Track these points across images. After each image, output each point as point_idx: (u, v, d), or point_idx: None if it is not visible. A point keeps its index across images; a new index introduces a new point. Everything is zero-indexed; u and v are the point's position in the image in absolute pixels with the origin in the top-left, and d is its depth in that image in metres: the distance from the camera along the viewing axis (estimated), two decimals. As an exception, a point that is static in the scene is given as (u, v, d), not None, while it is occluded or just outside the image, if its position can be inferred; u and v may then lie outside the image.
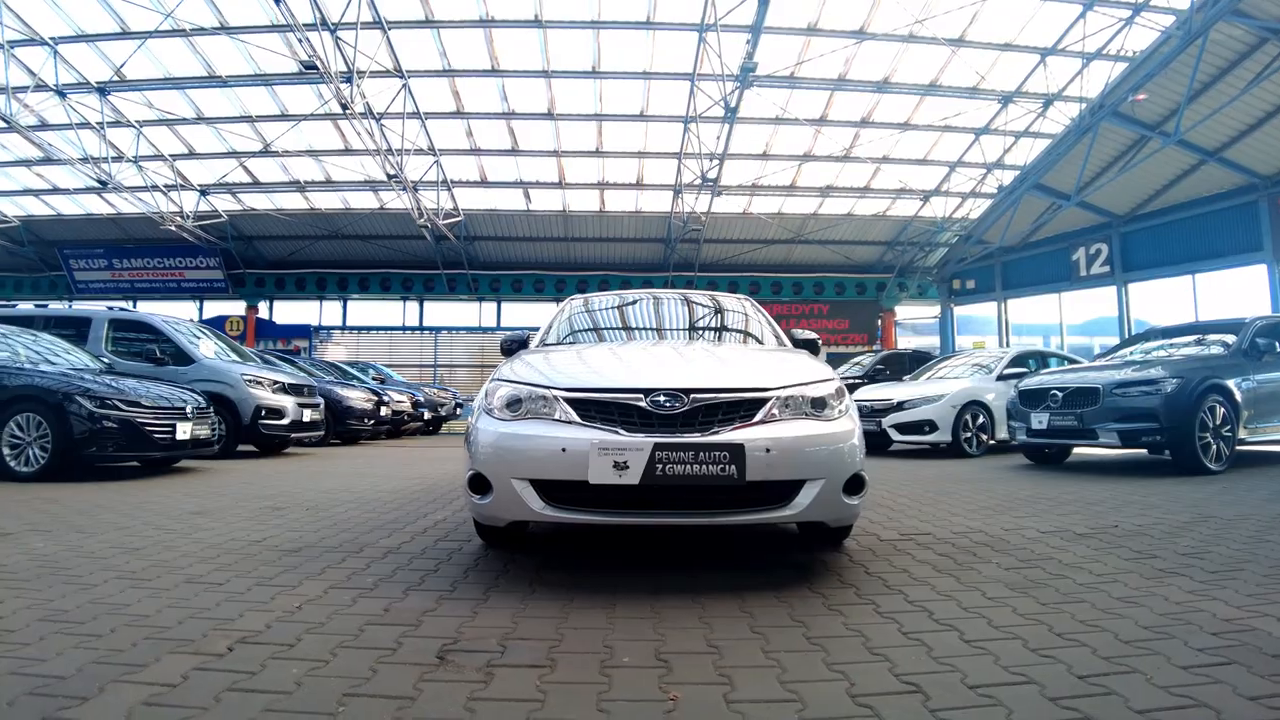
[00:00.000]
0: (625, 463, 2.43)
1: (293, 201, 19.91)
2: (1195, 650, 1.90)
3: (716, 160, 15.30)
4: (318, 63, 11.16)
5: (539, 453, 2.56)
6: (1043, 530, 3.71)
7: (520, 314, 23.38)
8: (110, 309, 8.89)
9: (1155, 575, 2.74)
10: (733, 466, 2.43)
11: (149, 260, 21.69)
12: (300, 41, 10.95)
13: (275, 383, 8.88)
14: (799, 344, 4.11)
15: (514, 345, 3.91)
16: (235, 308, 22.84)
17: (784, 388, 2.70)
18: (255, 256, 22.28)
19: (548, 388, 2.72)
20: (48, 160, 16.50)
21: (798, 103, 15.42)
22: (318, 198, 19.78)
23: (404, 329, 23.43)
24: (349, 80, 12.30)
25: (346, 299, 23.34)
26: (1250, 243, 13.89)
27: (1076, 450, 7.99)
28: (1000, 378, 9.47)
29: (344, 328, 23.45)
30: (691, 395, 2.57)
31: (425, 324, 23.43)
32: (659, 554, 3.23)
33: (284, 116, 15.58)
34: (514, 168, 18.48)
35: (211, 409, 7.06)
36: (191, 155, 17.27)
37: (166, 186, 17.35)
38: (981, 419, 9.04)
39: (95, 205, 19.87)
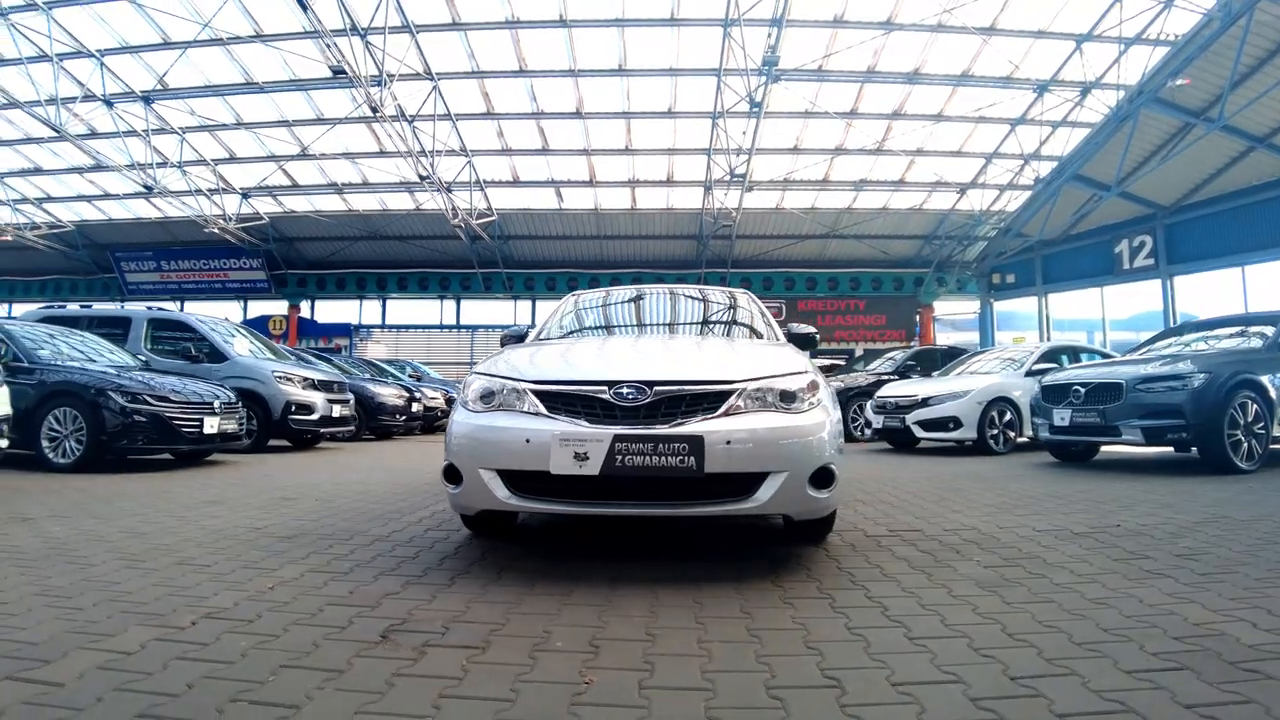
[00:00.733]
0: (586, 454, 2.47)
1: (331, 203, 20.48)
2: (1148, 654, 1.83)
3: (745, 155, 15.21)
4: (346, 67, 11.44)
5: (505, 443, 2.62)
6: (1039, 529, 3.62)
7: (554, 312, 23.57)
8: (149, 309, 9.29)
9: (1139, 577, 2.65)
10: (692, 458, 2.45)
11: (195, 262, 22.59)
12: (329, 47, 11.24)
13: (305, 379, 9.14)
14: (795, 338, 4.09)
15: (510, 340, 3.99)
16: (278, 307, 23.59)
17: (751, 380, 2.70)
18: (296, 257, 22.97)
19: (518, 380, 2.78)
20: (98, 167, 17.32)
21: (827, 96, 15.24)
22: (355, 199, 20.31)
23: (441, 327, 23.87)
24: (381, 84, 12.60)
25: (385, 298, 23.89)
26: (1303, 232, 13.21)
27: (1106, 448, 7.73)
28: (1029, 373, 9.20)
29: (383, 326, 24.02)
30: (655, 387, 2.59)
31: (462, 322, 23.84)
32: (637, 544, 3.26)
33: (320, 120, 16.04)
34: (545, 167, 18.68)
35: (240, 404, 7.31)
36: (233, 160, 17.92)
37: (209, 190, 18.02)
38: (1009, 415, 8.82)
39: (143, 209, 20.78)
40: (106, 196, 20.30)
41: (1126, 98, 12.41)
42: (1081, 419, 6.56)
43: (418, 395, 13.08)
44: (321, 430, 9.26)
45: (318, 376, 9.48)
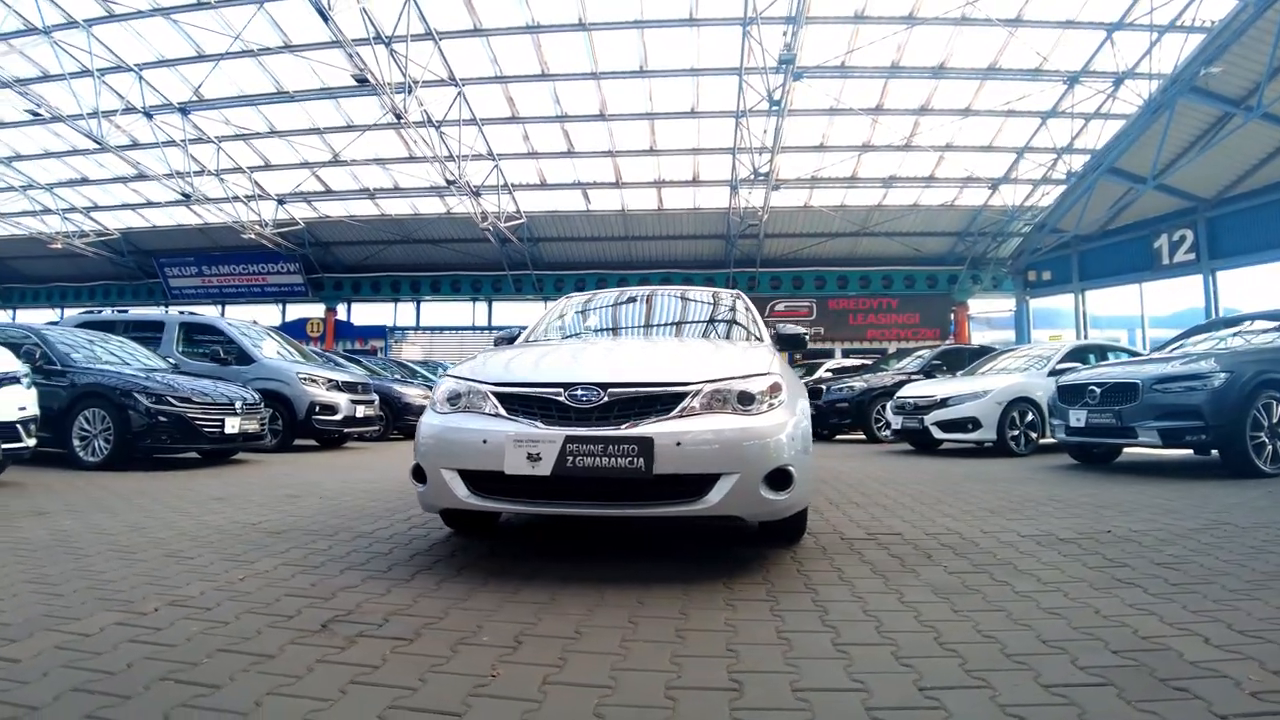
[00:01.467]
0: (539, 454, 2.53)
1: (364, 208, 20.99)
2: (1077, 669, 1.76)
3: (769, 154, 15.12)
4: (368, 75, 11.73)
5: (465, 444, 2.69)
6: (1023, 534, 3.55)
7: (584, 313, 23.78)
8: (180, 313, 9.69)
9: (1107, 586, 2.56)
10: (641, 460, 2.48)
11: (235, 267, 23.39)
12: (351, 56, 11.54)
13: (329, 381, 9.39)
14: (783, 339, 4.10)
15: (503, 342, 4.08)
16: (315, 310, 24.26)
17: (709, 382, 2.71)
18: (333, 261, 23.58)
19: (480, 383, 2.86)
20: (140, 176, 18.08)
21: (851, 92, 15.06)
22: (387, 204, 20.77)
23: (473, 329, 24.26)
24: (409, 90, 12.89)
25: (419, 300, 24.38)
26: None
27: (1128, 450, 7.50)
28: (1053, 373, 8.96)
29: (417, 328, 24.51)
30: (609, 389, 2.63)
31: (494, 324, 24.19)
32: (608, 544, 3.30)
33: (350, 127, 16.47)
34: (571, 169, 18.84)
35: (261, 405, 7.57)
36: (268, 167, 18.52)
37: (246, 197, 18.64)
38: (1030, 416, 8.61)
39: (184, 216, 21.61)
40: (150, 204, 21.18)
41: (1160, 87, 11.97)
42: (1097, 420, 6.38)
43: (444, 395, 13.29)
44: (346, 430, 9.50)
45: (341, 378, 9.74)
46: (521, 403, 2.71)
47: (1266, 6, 9.33)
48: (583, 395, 2.63)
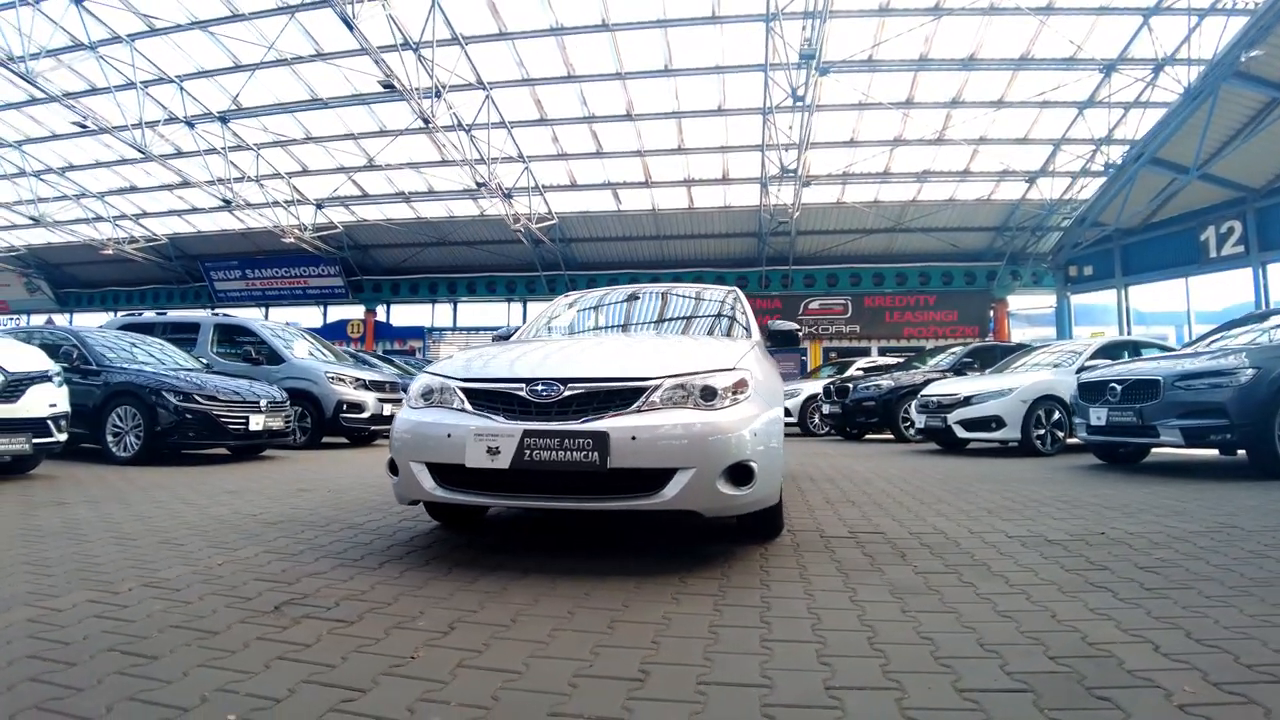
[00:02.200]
0: (498, 448, 2.59)
1: (401, 211, 21.46)
2: (1004, 674, 1.70)
3: (798, 150, 14.98)
4: (395, 81, 12.01)
5: (432, 438, 2.78)
6: (1010, 535, 3.46)
7: (616, 312, 23.91)
8: (215, 315, 10.07)
9: (1076, 589, 2.47)
10: (596, 454, 2.52)
11: (277, 270, 24.14)
12: (377, 63, 11.83)
13: (357, 380, 9.66)
14: (775, 334, 4.10)
15: (499, 339, 4.17)
16: (355, 312, 24.88)
17: (670, 377, 2.74)
18: (371, 264, 24.16)
19: (450, 379, 2.94)
20: (184, 183, 18.82)
21: (880, 86, 14.81)
22: (423, 207, 21.21)
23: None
24: (437, 95, 13.16)
25: (456, 301, 24.80)
26: None
27: (1156, 450, 7.23)
28: (1081, 370, 8.71)
29: (455, 329, 24.92)
30: (569, 384, 2.68)
31: (528, 324, 24.42)
32: (586, 539, 3.34)
33: (383, 132, 16.87)
34: (601, 170, 18.95)
35: (287, 403, 7.83)
36: (305, 172, 19.10)
37: (286, 201, 19.25)
38: (1057, 415, 8.39)
39: (227, 221, 22.40)
40: (194, 210, 22.05)
41: (1201, 74, 11.48)
42: (1118, 419, 6.18)
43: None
44: (373, 428, 9.76)
45: (370, 377, 10.00)
46: (486, 398, 2.78)
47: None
48: (542, 390, 2.68)
